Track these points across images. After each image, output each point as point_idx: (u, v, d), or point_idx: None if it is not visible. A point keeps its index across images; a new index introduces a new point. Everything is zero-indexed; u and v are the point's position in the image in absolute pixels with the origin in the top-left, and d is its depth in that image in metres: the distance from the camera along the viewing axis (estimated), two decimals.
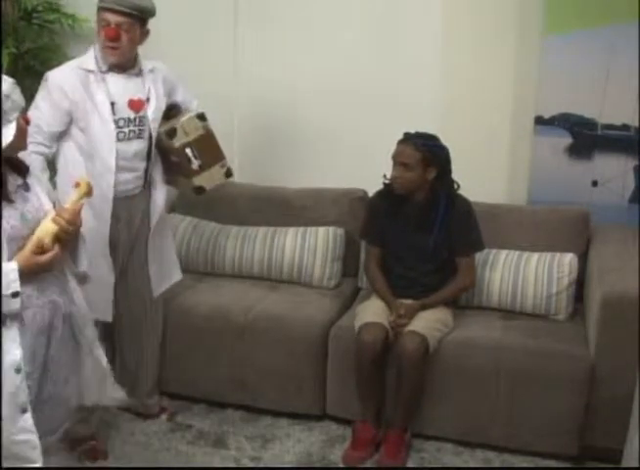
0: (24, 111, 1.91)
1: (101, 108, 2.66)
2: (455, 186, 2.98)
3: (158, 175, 2.88)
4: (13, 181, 1.90)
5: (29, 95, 2.43)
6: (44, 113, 2.63)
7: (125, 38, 2.63)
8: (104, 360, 2.12)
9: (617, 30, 3.16)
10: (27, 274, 1.83)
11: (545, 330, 2.96)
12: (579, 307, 3.11)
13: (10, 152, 1.85)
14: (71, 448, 2.61)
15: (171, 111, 2.88)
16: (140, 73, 2.77)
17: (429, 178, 2.92)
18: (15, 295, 1.80)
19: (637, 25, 3.10)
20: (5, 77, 1.82)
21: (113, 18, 2.60)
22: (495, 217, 3.23)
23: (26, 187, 1.93)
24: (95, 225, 2.59)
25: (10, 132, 1.81)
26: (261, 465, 2.82)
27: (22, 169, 1.94)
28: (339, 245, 3.40)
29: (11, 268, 1.80)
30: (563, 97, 3.31)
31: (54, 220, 1.86)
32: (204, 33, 3.66)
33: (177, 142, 2.79)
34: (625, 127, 3.27)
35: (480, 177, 3.34)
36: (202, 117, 2.83)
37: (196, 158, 2.81)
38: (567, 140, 3.36)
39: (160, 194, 2.88)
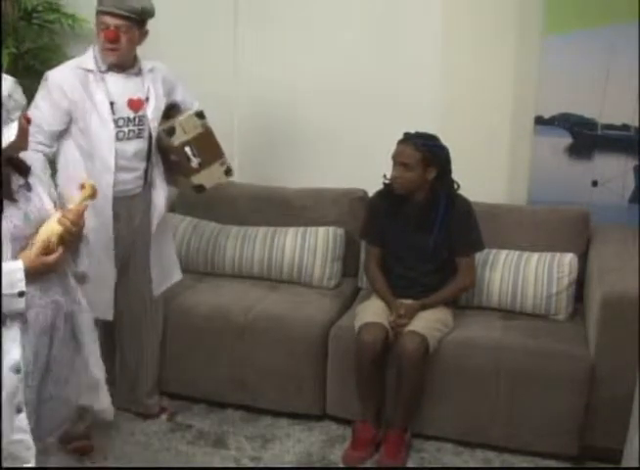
0: (25, 110, 1.90)
1: (100, 107, 2.67)
2: (455, 186, 2.98)
3: (158, 176, 2.87)
4: (15, 181, 1.90)
5: (29, 95, 2.41)
6: (44, 112, 2.64)
7: (124, 39, 2.64)
8: (101, 366, 2.11)
9: (617, 30, 3.16)
10: (33, 275, 1.83)
11: (545, 330, 2.96)
12: (579, 307, 3.11)
13: (12, 151, 1.85)
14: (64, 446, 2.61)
15: (171, 110, 2.88)
16: (139, 73, 2.78)
17: (429, 178, 2.92)
18: (21, 294, 1.80)
19: (637, 25, 3.10)
20: (6, 76, 1.82)
21: (112, 21, 2.62)
22: (495, 217, 3.23)
23: (28, 187, 1.93)
24: (97, 225, 2.59)
25: (12, 132, 1.80)
26: (261, 465, 2.82)
27: (24, 169, 1.93)
28: (339, 245, 3.40)
29: (17, 267, 1.79)
30: (563, 97, 3.31)
31: (59, 221, 1.86)
32: (203, 33, 3.66)
33: (176, 140, 2.78)
34: (625, 127, 3.26)
35: (480, 177, 3.34)
36: (200, 114, 2.83)
37: (195, 156, 2.80)
38: (567, 140, 3.36)
39: (161, 195, 2.87)
